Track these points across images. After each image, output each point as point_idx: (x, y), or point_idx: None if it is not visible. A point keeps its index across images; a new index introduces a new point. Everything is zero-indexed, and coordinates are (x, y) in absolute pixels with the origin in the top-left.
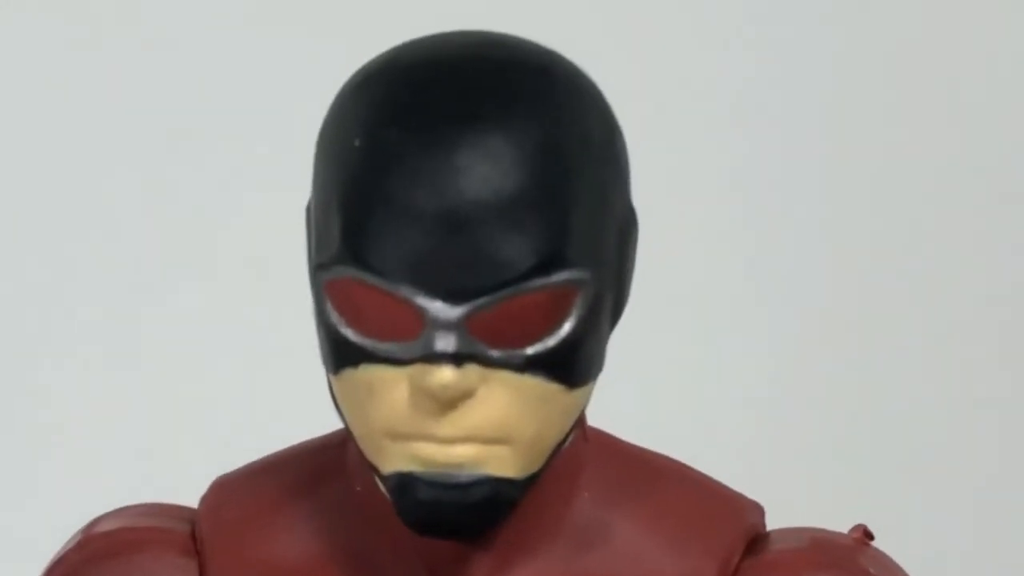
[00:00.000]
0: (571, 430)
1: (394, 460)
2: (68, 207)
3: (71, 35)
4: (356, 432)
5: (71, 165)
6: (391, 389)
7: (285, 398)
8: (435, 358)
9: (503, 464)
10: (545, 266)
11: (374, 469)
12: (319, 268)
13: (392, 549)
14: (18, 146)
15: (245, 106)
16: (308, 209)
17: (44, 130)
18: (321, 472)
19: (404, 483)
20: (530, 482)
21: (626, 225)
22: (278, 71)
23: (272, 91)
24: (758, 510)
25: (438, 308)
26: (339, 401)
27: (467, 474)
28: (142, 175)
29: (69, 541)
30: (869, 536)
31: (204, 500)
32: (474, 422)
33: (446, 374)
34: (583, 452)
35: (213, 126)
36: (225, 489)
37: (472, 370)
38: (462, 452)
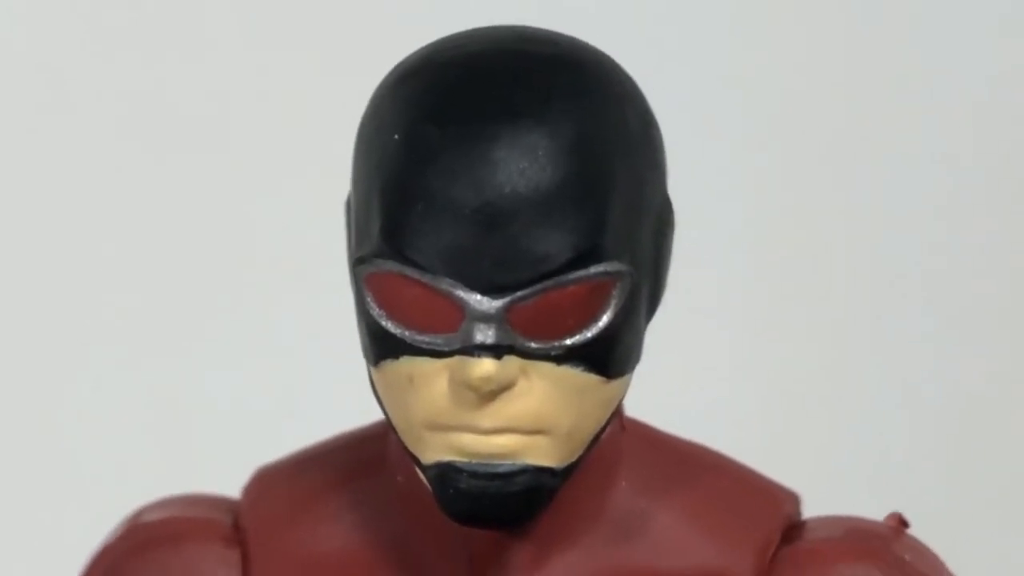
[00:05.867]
0: (609, 421)
1: (435, 451)
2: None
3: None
4: (396, 423)
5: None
6: (431, 381)
7: (324, 389)
8: (475, 350)
9: (542, 454)
10: (583, 259)
11: (415, 460)
12: (359, 262)
13: (434, 540)
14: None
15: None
16: (347, 204)
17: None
18: (362, 464)
19: (445, 473)
20: (569, 472)
21: (663, 217)
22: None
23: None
24: (794, 499)
25: (478, 301)
26: (379, 393)
27: (507, 464)
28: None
29: (114, 531)
30: (904, 524)
31: (246, 491)
32: (514, 413)
33: (486, 366)
34: (621, 443)
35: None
36: (267, 480)
37: (512, 362)
38: (502, 443)
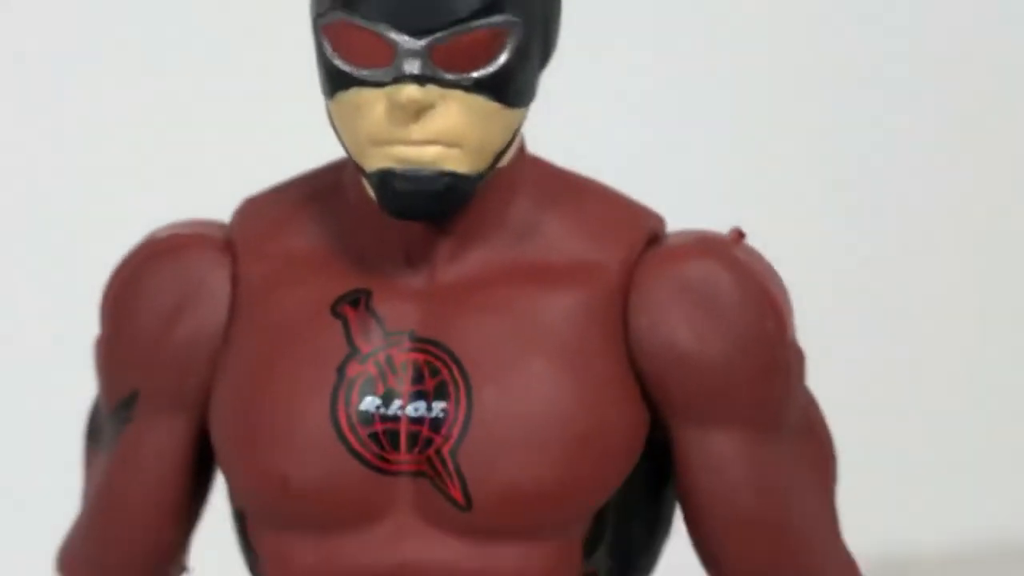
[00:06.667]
0: (510, 144)
1: (377, 160)
2: None
3: None
4: (347, 144)
5: None
6: (372, 106)
7: (293, 141)
8: (404, 79)
9: (458, 162)
10: (485, 10)
11: (362, 171)
12: (318, 17)
13: (379, 241)
14: None
15: None
16: None
17: None
18: (324, 188)
19: (384, 178)
20: (479, 179)
21: None
22: None
23: None
24: (660, 220)
25: (406, 40)
26: (335, 122)
27: (431, 170)
28: None
29: (131, 249)
30: (742, 235)
31: (234, 215)
32: (436, 129)
33: (412, 90)
34: (521, 168)
35: None
36: (250, 205)
37: (432, 89)
38: (427, 152)
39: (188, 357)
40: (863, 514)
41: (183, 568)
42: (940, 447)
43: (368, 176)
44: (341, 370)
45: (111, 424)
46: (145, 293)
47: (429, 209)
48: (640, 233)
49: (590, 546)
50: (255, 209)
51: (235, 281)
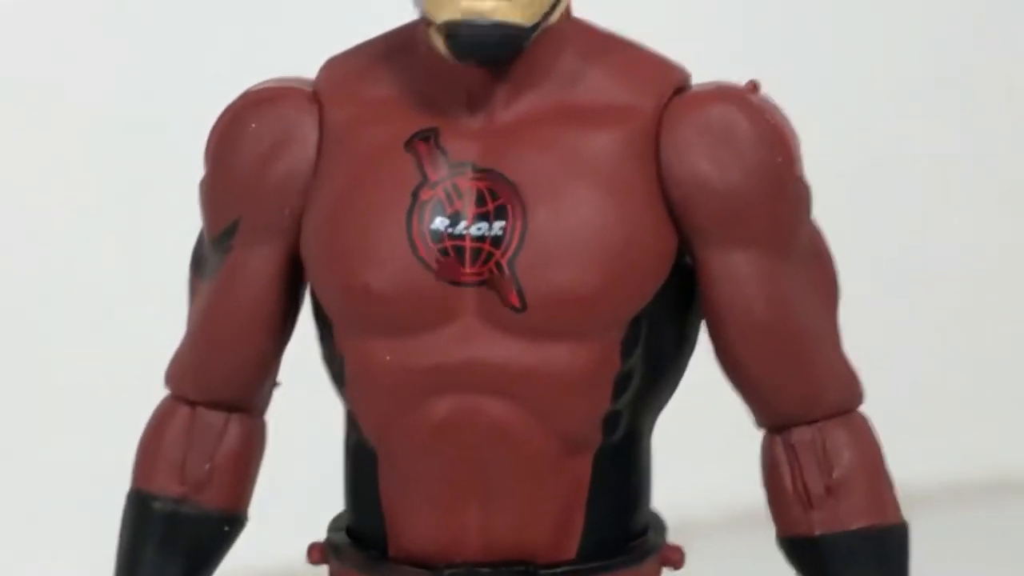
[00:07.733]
0: (559, 2)
1: (445, 12)
2: None
3: None
4: None
5: None
6: None
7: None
8: None
9: (514, 14)
10: None
11: (432, 23)
12: None
13: (445, 86)
14: None
15: None
16: None
17: None
18: (396, 45)
19: (452, 27)
20: (532, 31)
21: None
22: None
23: None
24: (686, 74)
25: None
26: None
27: (491, 20)
28: None
29: (232, 100)
30: (757, 86)
31: (319, 71)
32: None
33: None
34: (568, 26)
35: None
36: (333, 61)
37: None
38: (488, 4)
39: (283, 190)
40: None
41: (276, 382)
42: (935, 384)
43: (437, 27)
44: (415, 194)
45: (214, 253)
46: (245, 136)
47: (489, 54)
48: (669, 82)
49: (627, 349)
50: (337, 64)
51: (321, 125)
